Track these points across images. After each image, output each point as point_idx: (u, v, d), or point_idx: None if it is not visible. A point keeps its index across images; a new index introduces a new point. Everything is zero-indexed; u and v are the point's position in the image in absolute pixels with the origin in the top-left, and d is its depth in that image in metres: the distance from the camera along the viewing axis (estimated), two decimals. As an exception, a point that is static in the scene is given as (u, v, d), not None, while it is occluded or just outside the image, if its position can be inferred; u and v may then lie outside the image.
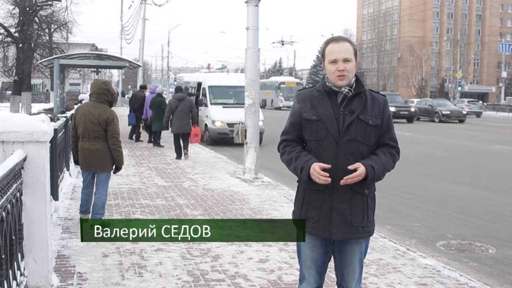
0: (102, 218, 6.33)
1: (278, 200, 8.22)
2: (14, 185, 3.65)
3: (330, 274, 3.92)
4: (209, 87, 18.26)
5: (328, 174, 2.76)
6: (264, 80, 58.61)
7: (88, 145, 6.18)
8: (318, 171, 2.77)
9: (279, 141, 3.09)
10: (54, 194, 6.70)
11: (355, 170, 2.77)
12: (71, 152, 7.33)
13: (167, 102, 15.02)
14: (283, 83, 52.26)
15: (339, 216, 2.85)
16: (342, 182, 2.78)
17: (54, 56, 21.06)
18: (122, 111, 26.86)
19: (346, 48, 2.87)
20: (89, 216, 6.33)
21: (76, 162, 6.51)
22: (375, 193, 3.01)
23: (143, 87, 18.55)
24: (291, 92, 46.60)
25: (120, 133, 6.45)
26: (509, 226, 7.53)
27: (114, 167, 6.37)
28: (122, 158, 6.34)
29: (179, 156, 12.90)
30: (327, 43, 2.93)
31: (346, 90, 2.89)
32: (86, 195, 6.39)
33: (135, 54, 67.12)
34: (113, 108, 6.49)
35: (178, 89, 14.17)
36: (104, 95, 6.28)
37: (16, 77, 25.99)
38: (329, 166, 2.78)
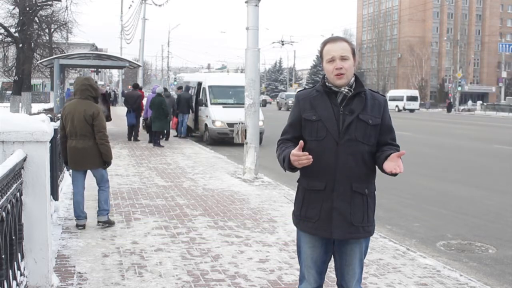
0: (108, 215, 6.39)
1: (278, 200, 8.22)
2: (14, 185, 3.65)
3: (330, 274, 3.92)
4: (209, 87, 18.28)
5: (307, 153, 2.74)
6: None
7: (75, 143, 6.16)
8: (296, 153, 2.74)
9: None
10: (54, 194, 6.70)
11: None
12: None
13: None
14: None
15: (339, 216, 2.85)
16: (306, 162, 2.74)
17: (54, 56, 21.00)
18: (122, 111, 26.86)
19: (343, 46, 2.87)
20: (85, 221, 6.32)
21: (66, 163, 6.48)
22: (375, 193, 3.01)
23: (137, 86, 18.58)
24: None
25: (107, 128, 6.43)
26: (509, 226, 7.53)
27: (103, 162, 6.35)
28: (110, 153, 6.32)
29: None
30: (325, 43, 2.94)
31: (346, 90, 2.89)
32: (77, 195, 6.34)
33: (135, 54, 67.11)
34: (113, 108, 6.48)
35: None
36: (88, 90, 6.26)
37: (16, 77, 25.93)
38: (302, 143, 2.77)
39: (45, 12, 27.35)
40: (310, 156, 2.74)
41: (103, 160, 6.29)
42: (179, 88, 20.79)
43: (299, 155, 2.74)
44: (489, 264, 5.78)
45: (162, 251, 5.41)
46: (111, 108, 20.63)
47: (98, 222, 6.34)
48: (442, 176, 11.93)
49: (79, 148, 6.15)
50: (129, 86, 19.43)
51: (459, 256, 6.04)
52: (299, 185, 3.02)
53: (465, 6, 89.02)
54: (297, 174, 3.07)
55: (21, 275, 3.88)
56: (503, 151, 17.69)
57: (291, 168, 2.84)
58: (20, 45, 24.66)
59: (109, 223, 6.37)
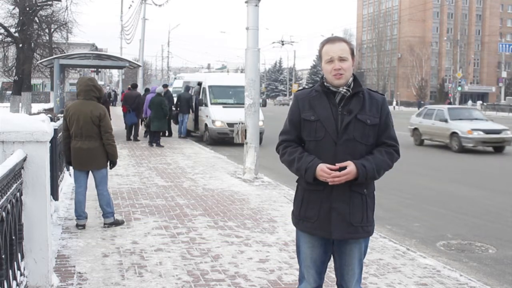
0: (115, 215, 6.42)
1: (278, 200, 8.22)
2: (14, 185, 3.65)
3: (330, 274, 3.92)
4: (209, 87, 18.29)
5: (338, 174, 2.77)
6: None
7: (80, 144, 6.15)
8: (328, 172, 2.77)
9: (278, 141, 3.08)
10: (54, 194, 6.70)
11: (345, 167, 2.78)
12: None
13: (166, 102, 16.07)
14: None
15: (338, 216, 2.85)
16: (330, 181, 2.77)
17: (54, 56, 21.02)
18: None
19: (342, 47, 2.87)
20: (86, 221, 6.32)
21: (69, 163, 6.47)
22: (374, 192, 3.00)
23: (136, 87, 18.64)
24: None
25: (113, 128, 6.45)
26: (509, 226, 7.53)
27: (109, 163, 6.36)
28: (116, 153, 6.34)
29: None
30: (323, 44, 2.94)
31: (344, 90, 2.89)
32: (79, 195, 6.34)
33: (135, 54, 67.03)
34: (113, 108, 6.50)
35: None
36: (92, 91, 6.25)
37: (16, 77, 25.94)
38: (336, 167, 2.78)
39: (45, 12, 27.36)
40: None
41: (110, 160, 6.31)
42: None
43: (333, 176, 2.76)
44: (489, 264, 5.78)
45: (162, 251, 5.41)
46: (111, 108, 20.57)
47: (104, 224, 6.33)
48: (442, 176, 11.93)
49: (84, 149, 6.15)
50: (129, 87, 19.39)
51: (459, 256, 6.04)
52: (298, 185, 3.02)
53: (465, 6, 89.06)
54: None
55: (21, 275, 3.88)
56: (503, 151, 17.67)
57: (314, 179, 2.83)
58: (20, 45, 24.67)
59: (117, 224, 6.36)
